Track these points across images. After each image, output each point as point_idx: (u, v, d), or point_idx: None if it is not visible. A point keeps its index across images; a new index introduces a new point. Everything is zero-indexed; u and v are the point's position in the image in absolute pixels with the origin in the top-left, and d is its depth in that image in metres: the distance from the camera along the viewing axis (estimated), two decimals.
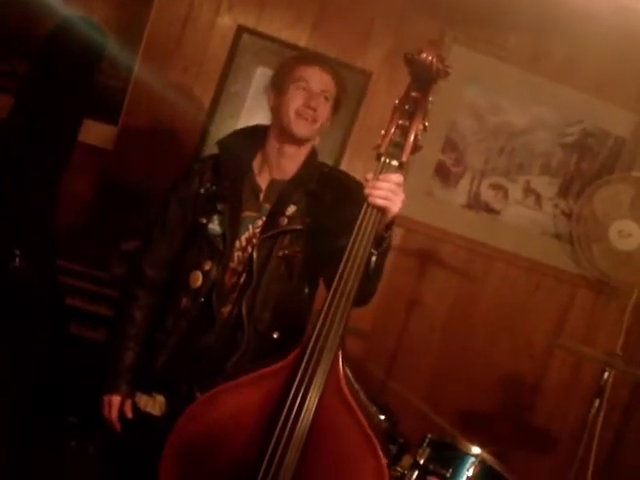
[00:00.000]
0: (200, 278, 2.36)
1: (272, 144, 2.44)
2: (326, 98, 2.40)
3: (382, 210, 1.98)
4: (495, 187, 4.17)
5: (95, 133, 3.78)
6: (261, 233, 2.36)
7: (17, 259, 3.06)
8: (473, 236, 4.16)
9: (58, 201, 3.33)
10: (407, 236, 4.06)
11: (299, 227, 2.36)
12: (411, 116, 1.99)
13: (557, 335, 4.21)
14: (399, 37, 3.94)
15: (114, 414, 2.43)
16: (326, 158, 2.76)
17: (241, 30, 3.88)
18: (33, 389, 3.17)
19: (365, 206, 1.98)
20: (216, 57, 3.88)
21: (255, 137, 2.50)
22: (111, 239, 3.72)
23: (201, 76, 3.89)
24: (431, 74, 1.94)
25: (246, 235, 2.38)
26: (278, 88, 2.43)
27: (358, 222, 1.98)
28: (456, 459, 2.84)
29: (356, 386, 2.00)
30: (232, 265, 2.37)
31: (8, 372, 3.05)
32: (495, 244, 4.18)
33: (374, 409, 2.79)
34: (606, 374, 3.42)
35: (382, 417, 3.03)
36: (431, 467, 2.85)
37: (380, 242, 2.07)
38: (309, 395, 1.92)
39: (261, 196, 2.42)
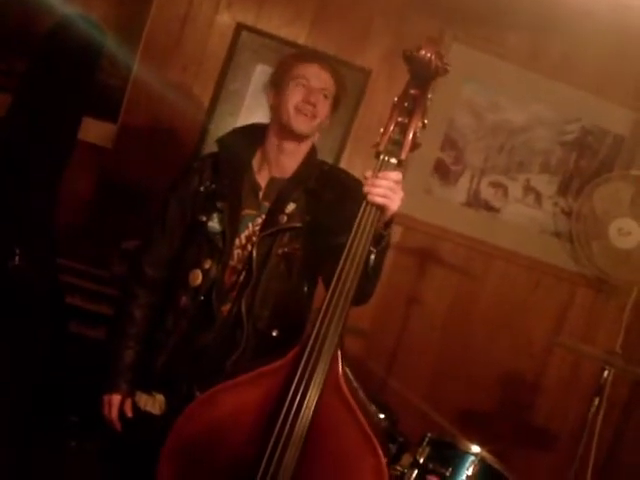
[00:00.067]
0: (200, 276, 2.36)
1: (271, 141, 2.44)
2: (325, 96, 2.39)
3: (381, 208, 1.98)
4: (495, 185, 4.17)
5: (94, 131, 3.78)
6: (261, 231, 2.36)
7: (17, 258, 3.06)
8: (473, 234, 4.16)
9: (58, 200, 3.32)
10: (406, 234, 4.06)
11: (298, 225, 2.36)
12: (410, 114, 1.99)
13: (557, 333, 4.21)
14: (398, 35, 3.94)
15: (114, 413, 2.43)
16: (326, 156, 2.76)
17: (240, 28, 3.88)
18: (33, 389, 3.17)
19: (364, 204, 1.97)
20: (215, 55, 3.88)
21: (254, 135, 2.50)
22: (111, 238, 3.72)
23: (200, 74, 3.89)
24: (430, 71, 1.94)
25: (246, 233, 2.38)
26: (277, 86, 2.43)
27: (357, 220, 1.98)
28: (456, 458, 2.85)
29: (355, 385, 2.00)
30: (232, 263, 2.37)
31: (8, 371, 3.05)
32: (495, 242, 4.18)
33: (373, 408, 2.80)
34: (606, 372, 3.42)
35: (382, 416, 3.03)
36: (431, 466, 2.85)
37: (379, 240, 2.07)
38: (308, 394, 1.91)
39: (260, 194, 2.42)
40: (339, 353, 1.96)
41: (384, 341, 4.13)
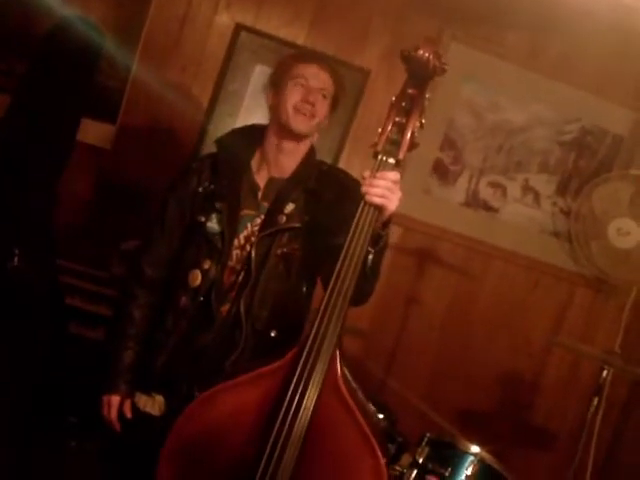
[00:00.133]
0: (199, 277, 2.36)
1: (270, 140, 2.44)
2: (324, 96, 2.39)
3: (379, 208, 1.98)
4: (493, 185, 4.17)
5: (93, 132, 3.78)
6: (260, 231, 2.36)
7: (16, 258, 3.06)
8: (471, 234, 4.16)
9: (57, 200, 3.32)
10: (405, 234, 4.06)
11: (298, 225, 2.36)
12: (408, 113, 1.99)
13: (556, 333, 4.21)
14: (397, 35, 3.94)
15: (113, 414, 2.43)
16: (324, 156, 2.76)
17: (239, 28, 3.88)
18: (33, 389, 3.17)
19: (362, 204, 1.98)
20: (214, 56, 3.88)
21: (253, 136, 2.50)
22: (110, 238, 3.71)
23: (199, 75, 3.89)
24: (428, 71, 1.94)
25: (245, 233, 2.38)
26: (276, 86, 2.44)
27: (355, 220, 1.98)
28: (455, 458, 2.85)
29: (354, 385, 2.00)
30: (231, 264, 2.37)
31: (8, 372, 3.05)
32: (493, 242, 4.18)
33: (372, 408, 2.80)
34: (605, 372, 3.42)
35: (381, 416, 3.04)
36: (430, 466, 2.86)
37: (377, 240, 2.07)
38: (307, 394, 1.92)
39: (259, 194, 2.42)
40: (337, 353, 1.96)
41: (383, 341, 4.13)
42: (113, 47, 3.62)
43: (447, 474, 2.81)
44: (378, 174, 1.97)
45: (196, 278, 2.36)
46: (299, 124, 2.37)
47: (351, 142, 3.99)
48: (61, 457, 3.34)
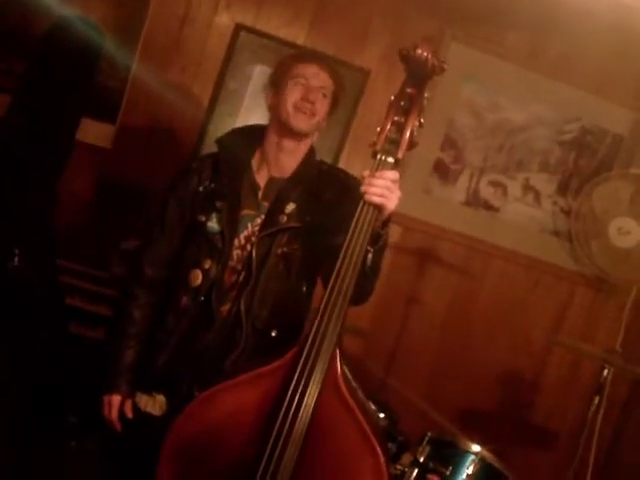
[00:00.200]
0: (200, 277, 2.36)
1: (271, 139, 2.44)
2: (324, 95, 2.39)
3: (378, 207, 1.98)
4: (494, 184, 4.17)
5: (93, 132, 3.78)
6: (260, 231, 2.36)
7: (16, 258, 3.06)
8: (472, 233, 4.16)
9: (57, 200, 3.32)
10: (405, 234, 4.06)
11: (298, 225, 2.36)
12: (407, 112, 1.99)
13: (556, 332, 4.21)
14: (397, 35, 3.94)
15: (114, 414, 2.43)
16: (325, 156, 2.76)
17: (239, 28, 3.88)
18: (33, 389, 3.17)
19: (361, 203, 1.98)
20: (214, 56, 3.88)
21: (253, 136, 2.50)
22: (110, 238, 3.72)
23: (199, 75, 3.89)
24: (426, 70, 1.94)
25: (245, 233, 2.38)
26: (276, 86, 2.44)
27: (354, 220, 1.98)
28: (456, 457, 2.85)
29: (354, 384, 2.00)
30: (231, 263, 2.37)
31: (8, 372, 3.05)
32: (494, 241, 4.18)
33: (372, 407, 2.81)
34: (605, 371, 3.42)
35: (382, 415, 3.04)
36: (431, 465, 2.85)
37: (377, 239, 2.07)
38: (307, 393, 1.92)
39: (260, 194, 2.42)
40: (338, 352, 1.96)
41: (383, 340, 4.13)
42: (113, 47, 3.62)
43: (448, 473, 2.81)
44: (377, 173, 1.97)
45: (197, 278, 2.36)
46: (299, 122, 2.37)
47: (351, 142, 3.99)
48: (61, 457, 3.34)
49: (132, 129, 3.86)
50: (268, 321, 2.34)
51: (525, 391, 4.30)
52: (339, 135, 3.95)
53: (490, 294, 4.20)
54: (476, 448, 2.85)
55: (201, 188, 2.43)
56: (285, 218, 2.36)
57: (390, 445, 2.97)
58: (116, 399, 2.43)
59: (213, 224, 2.38)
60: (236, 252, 2.37)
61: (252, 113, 3.83)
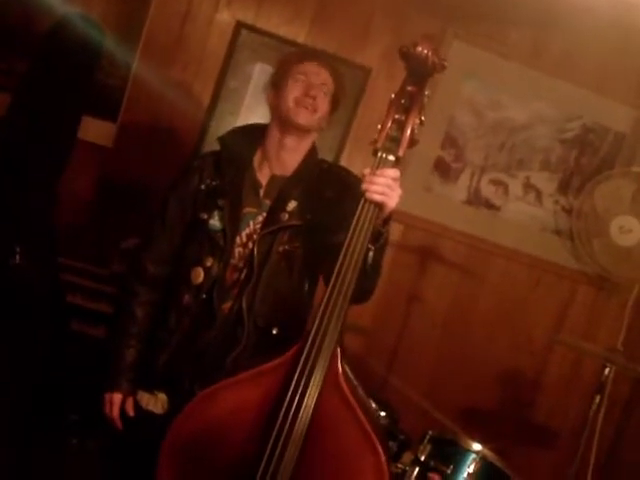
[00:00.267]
0: (201, 274, 2.36)
1: (272, 137, 2.44)
2: (325, 93, 2.40)
3: (379, 205, 1.97)
4: (495, 183, 4.17)
5: (94, 130, 3.78)
6: (262, 229, 2.36)
7: (17, 256, 3.06)
8: (473, 232, 4.16)
9: (58, 199, 3.33)
10: (407, 232, 4.06)
11: (300, 223, 2.36)
12: (407, 110, 1.98)
13: (557, 331, 4.21)
14: (399, 33, 3.94)
15: (115, 412, 2.43)
16: (326, 154, 2.76)
17: (240, 26, 3.88)
18: (33, 387, 3.17)
19: (362, 201, 1.97)
20: (215, 54, 3.88)
21: (254, 135, 2.50)
22: (111, 236, 3.72)
23: (200, 73, 3.89)
24: (427, 68, 1.93)
25: (247, 231, 2.38)
26: (277, 85, 2.44)
27: (355, 217, 1.98)
28: (457, 455, 2.84)
29: (355, 382, 2.00)
30: (233, 261, 2.37)
31: (8, 370, 3.05)
32: (495, 240, 4.18)
33: (373, 406, 2.80)
34: (607, 370, 3.41)
35: (383, 414, 3.03)
36: (432, 463, 2.85)
37: (378, 237, 2.07)
38: (308, 391, 1.91)
39: (261, 192, 2.42)
40: (339, 351, 1.95)
41: (385, 339, 4.13)
42: (114, 45, 3.62)
43: (449, 471, 2.81)
44: (378, 171, 1.97)
45: (198, 276, 2.36)
46: (301, 117, 2.36)
47: (352, 140, 3.99)
48: (62, 455, 3.34)
49: (133, 127, 3.86)
50: (269, 319, 2.34)
51: (526, 390, 4.30)
52: (340, 133, 3.95)
53: (491, 293, 4.20)
54: (477, 447, 2.84)
55: (203, 186, 2.43)
56: (287, 216, 2.36)
57: (391, 444, 2.96)
58: (117, 397, 2.42)
59: (215, 222, 2.38)
60: (238, 250, 2.37)
61: (253, 112, 3.83)
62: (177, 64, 3.87)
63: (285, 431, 1.91)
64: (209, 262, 2.35)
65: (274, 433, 1.91)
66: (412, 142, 1.99)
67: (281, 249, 2.35)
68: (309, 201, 2.40)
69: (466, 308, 4.20)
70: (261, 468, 1.92)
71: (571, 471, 3.45)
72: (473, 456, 2.82)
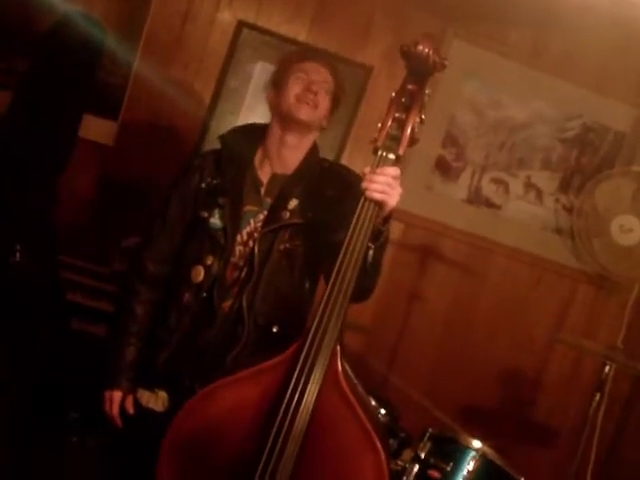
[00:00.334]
0: (202, 273, 2.35)
1: (274, 134, 2.43)
2: (326, 90, 2.40)
3: (379, 204, 1.98)
4: (496, 182, 4.17)
5: (95, 129, 3.78)
6: (263, 227, 2.36)
7: (17, 254, 3.07)
8: (474, 231, 4.16)
9: (59, 197, 3.33)
10: (407, 231, 4.07)
11: (301, 221, 2.36)
12: (408, 109, 1.99)
13: (558, 330, 4.21)
14: (399, 32, 3.94)
15: (115, 410, 2.42)
16: (327, 153, 2.76)
17: (241, 25, 3.89)
18: (33, 385, 3.17)
19: (362, 200, 1.98)
20: (216, 52, 3.89)
21: (255, 134, 2.50)
22: (112, 235, 3.72)
23: (201, 72, 3.89)
24: (427, 67, 1.94)
25: (247, 229, 2.38)
26: (278, 84, 2.44)
27: (355, 216, 1.98)
28: (457, 453, 2.84)
29: (355, 380, 2.00)
30: (233, 260, 2.36)
31: (8, 369, 3.05)
32: (496, 239, 4.18)
33: (373, 404, 2.81)
34: (607, 368, 3.41)
35: (383, 412, 3.03)
36: (432, 461, 2.84)
37: (378, 236, 2.07)
38: (307, 389, 1.91)
39: (262, 190, 2.41)
40: (338, 349, 1.96)
41: (385, 337, 4.13)
42: (115, 43, 3.63)
43: (449, 469, 2.80)
44: (378, 170, 1.97)
45: (199, 274, 2.36)
46: (302, 113, 2.36)
47: (353, 139, 4.00)
48: (62, 453, 3.34)
49: (134, 126, 3.86)
50: (270, 317, 2.34)
51: (527, 388, 4.31)
52: (341, 132, 3.95)
53: (492, 291, 4.21)
54: (477, 444, 2.84)
55: (203, 184, 2.43)
56: (288, 214, 2.36)
57: (391, 441, 2.96)
58: (117, 395, 2.43)
59: (215, 220, 2.38)
60: (238, 248, 2.37)
61: (254, 111, 3.84)
62: (178, 63, 3.87)
63: (285, 428, 1.91)
64: (209, 260, 2.35)
65: (274, 431, 1.91)
66: (412, 141, 1.99)
67: (282, 247, 2.35)
68: (310, 199, 2.40)
69: (467, 307, 4.20)
70: (261, 466, 1.92)
71: (571, 469, 3.46)
72: (473, 454, 2.82)
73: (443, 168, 4.12)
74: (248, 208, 2.39)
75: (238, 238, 2.37)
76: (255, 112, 3.75)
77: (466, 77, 4.06)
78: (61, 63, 3.17)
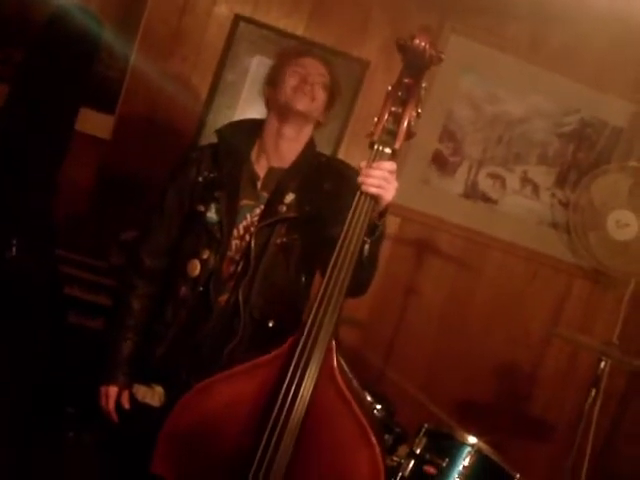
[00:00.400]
0: (198, 267, 2.35)
1: (271, 127, 2.43)
2: (322, 84, 2.40)
3: (375, 198, 1.98)
4: (492, 176, 4.17)
5: (92, 122, 3.77)
6: (259, 221, 2.36)
7: (14, 249, 3.06)
8: (470, 225, 4.17)
9: (56, 191, 3.32)
10: (404, 225, 4.06)
11: (297, 215, 2.36)
12: (404, 103, 1.99)
13: (554, 324, 4.22)
14: (397, 26, 3.93)
15: (111, 405, 2.42)
16: (324, 148, 2.76)
17: (238, 19, 3.88)
18: (33, 380, 3.17)
19: (358, 194, 1.98)
20: (213, 46, 3.88)
21: (252, 128, 2.50)
22: (109, 229, 3.72)
23: (198, 65, 3.88)
24: (424, 60, 1.93)
25: (244, 223, 2.37)
26: (275, 80, 2.44)
27: (351, 210, 1.98)
28: (452, 448, 2.84)
29: (350, 375, 2.00)
30: (230, 254, 2.36)
31: (7, 365, 3.05)
32: (492, 233, 4.19)
33: (369, 398, 2.81)
34: (603, 363, 3.43)
35: (379, 407, 3.03)
36: (427, 456, 2.85)
37: (373, 230, 2.07)
38: (303, 384, 1.92)
39: (259, 184, 2.41)
40: (334, 343, 1.96)
41: (381, 332, 4.13)
42: (112, 37, 3.61)
43: (444, 465, 2.81)
44: (374, 164, 1.97)
45: (195, 268, 2.36)
46: (299, 103, 2.36)
47: (350, 134, 3.99)
48: (59, 448, 3.33)
49: (131, 120, 3.85)
50: (266, 311, 2.34)
51: (523, 383, 4.31)
52: (338, 127, 3.94)
53: (488, 286, 4.21)
54: (473, 440, 2.84)
55: (200, 178, 2.43)
56: (284, 208, 2.36)
57: (387, 437, 2.97)
58: (113, 390, 2.42)
59: (212, 214, 2.37)
60: (235, 242, 2.37)
61: (251, 105, 3.83)
62: (175, 56, 3.86)
63: (280, 423, 1.91)
64: (206, 254, 2.35)
65: (269, 425, 1.92)
66: (409, 135, 1.99)
67: (278, 241, 2.35)
68: (307, 194, 2.40)
69: (463, 301, 4.20)
70: (256, 460, 1.92)
71: (567, 464, 3.47)
72: (468, 449, 2.82)
73: (440, 162, 4.11)
74: (245, 202, 2.39)
75: (234, 232, 2.37)
76: (252, 106, 3.73)
77: (463, 71, 4.05)
78: (58, 55, 3.15)
